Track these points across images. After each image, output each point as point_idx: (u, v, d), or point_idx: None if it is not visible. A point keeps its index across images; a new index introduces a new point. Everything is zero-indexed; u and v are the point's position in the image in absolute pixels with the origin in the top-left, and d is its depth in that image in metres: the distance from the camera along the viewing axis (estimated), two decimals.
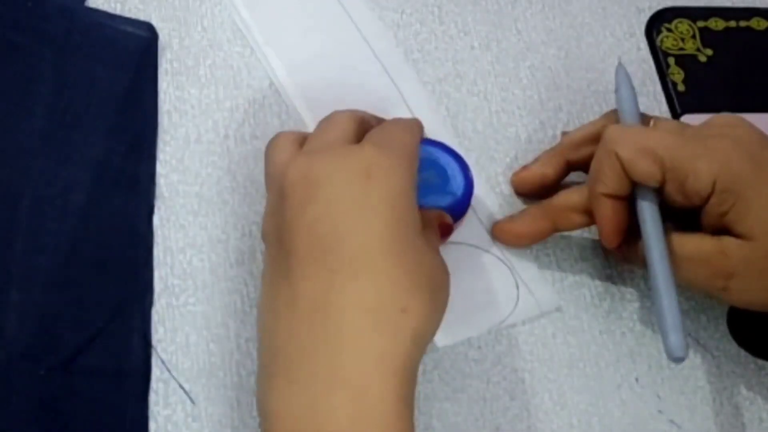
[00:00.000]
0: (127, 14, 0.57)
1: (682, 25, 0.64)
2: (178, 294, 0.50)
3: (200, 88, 0.56)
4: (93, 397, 0.46)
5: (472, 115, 0.59)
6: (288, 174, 0.44)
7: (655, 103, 0.61)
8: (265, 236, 0.46)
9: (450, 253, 0.53)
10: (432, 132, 0.57)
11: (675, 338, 0.46)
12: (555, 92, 0.60)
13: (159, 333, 0.49)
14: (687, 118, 0.60)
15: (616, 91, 0.54)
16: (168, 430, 0.47)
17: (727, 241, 0.48)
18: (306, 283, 0.42)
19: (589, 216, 0.52)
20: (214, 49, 0.57)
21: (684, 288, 0.52)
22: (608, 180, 0.49)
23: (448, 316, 0.51)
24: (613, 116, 0.54)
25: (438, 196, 0.52)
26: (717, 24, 0.65)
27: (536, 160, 0.56)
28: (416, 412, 0.49)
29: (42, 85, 0.52)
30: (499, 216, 0.55)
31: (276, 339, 0.42)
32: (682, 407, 0.52)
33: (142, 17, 0.57)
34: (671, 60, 0.63)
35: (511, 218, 0.54)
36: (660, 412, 0.52)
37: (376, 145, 0.45)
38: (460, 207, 0.52)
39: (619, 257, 0.54)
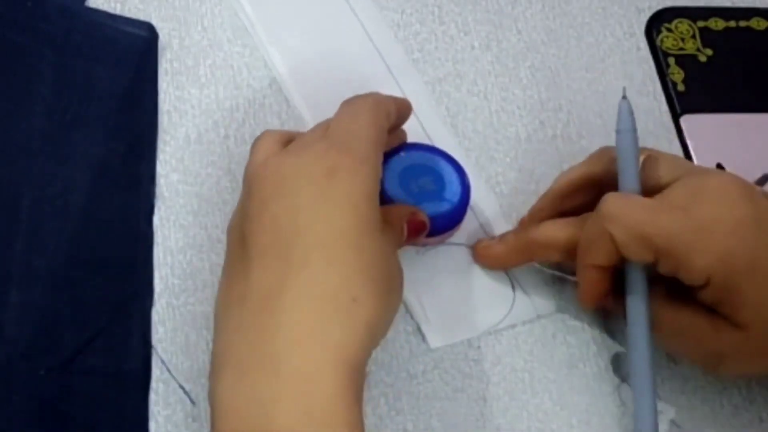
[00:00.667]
0: (127, 14, 0.57)
1: (682, 25, 0.64)
2: (178, 294, 0.50)
3: (200, 88, 0.56)
4: (93, 397, 0.46)
5: (472, 115, 0.59)
6: (259, 171, 0.45)
7: (655, 103, 0.61)
8: (228, 232, 0.46)
9: (447, 254, 0.53)
10: (433, 132, 0.57)
11: None
12: (555, 92, 0.60)
13: (159, 333, 0.49)
14: (687, 118, 0.60)
15: (618, 131, 0.50)
16: (168, 430, 0.47)
17: (721, 324, 0.47)
18: (260, 275, 0.42)
19: (570, 254, 0.50)
20: (214, 49, 0.57)
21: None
22: (599, 255, 0.48)
23: (444, 318, 0.51)
24: (600, 159, 0.51)
25: (435, 203, 0.52)
26: (717, 24, 0.65)
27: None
28: (416, 412, 0.49)
29: (42, 85, 0.52)
30: (498, 217, 0.55)
31: (226, 332, 0.42)
32: (682, 407, 0.52)
33: (142, 17, 0.57)
34: (671, 60, 0.63)
35: (490, 241, 0.53)
36: (660, 412, 0.52)
37: (342, 146, 0.45)
38: (457, 213, 0.52)
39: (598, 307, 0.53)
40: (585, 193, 0.52)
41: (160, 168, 0.53)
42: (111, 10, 0.56)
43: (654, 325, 0.48)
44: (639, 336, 0.48)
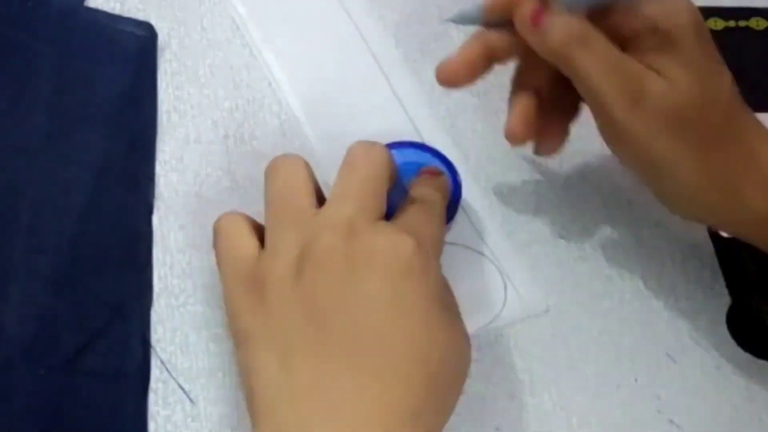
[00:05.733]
0: (127, 14, 0.57)
1: None
2: (178, 294, 0.50)
3: (199, 88, 0.56)
4: (93, 397, 0.46)
5: (472, 115, 0.59)
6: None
7: None
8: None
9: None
10: (425, 131, 0.57)
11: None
12: None
13: (158, 333, 0.49)
14: None
15: None
16: (168, 430, 0.47)
17: (652, 75, 0.47)
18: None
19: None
20: (213, 49, 0.57)
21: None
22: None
23: None
24: None
25: None
26: (717, 24, 0.65)
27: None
28: None
29: (42, 85, 0.52)
30: (489, 214, 0.55)
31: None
32: (682, 407, 0.52)
33: (141, 17, 0.57)
34: None
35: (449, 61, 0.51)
36: (660, 412, 0.52)
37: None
38: (451, 209, 0.53)
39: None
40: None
41: (160, 168, 0.53)
42: (111, 10, 0.56)
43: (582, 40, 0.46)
44: None
